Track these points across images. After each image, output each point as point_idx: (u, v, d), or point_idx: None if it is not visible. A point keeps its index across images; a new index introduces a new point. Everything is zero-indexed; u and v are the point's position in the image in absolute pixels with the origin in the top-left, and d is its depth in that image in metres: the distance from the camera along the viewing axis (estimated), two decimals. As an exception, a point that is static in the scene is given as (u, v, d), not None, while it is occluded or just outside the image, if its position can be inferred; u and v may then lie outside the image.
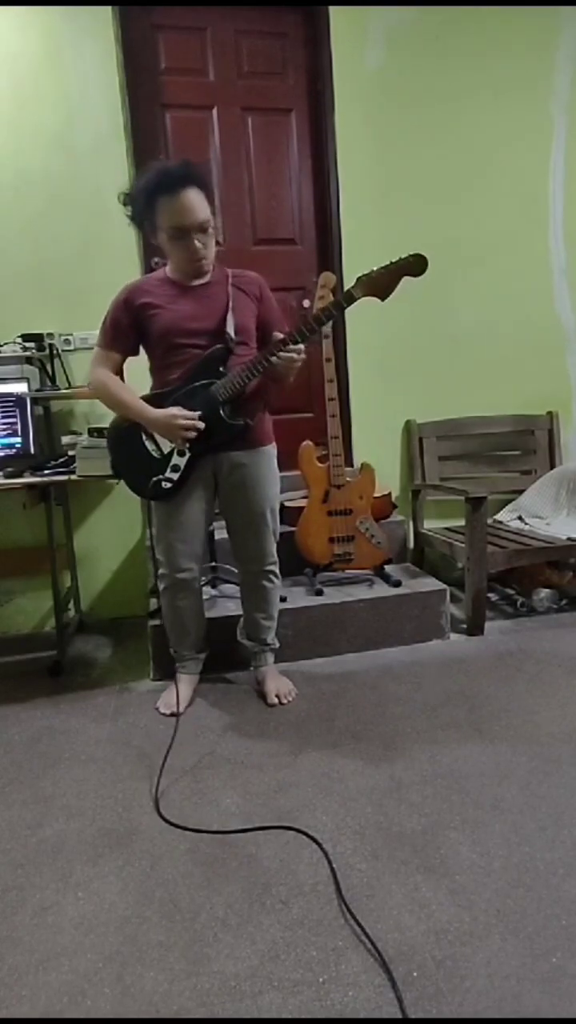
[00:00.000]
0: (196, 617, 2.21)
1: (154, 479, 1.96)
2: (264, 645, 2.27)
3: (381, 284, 1.88)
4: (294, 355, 1.86)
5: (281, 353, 1.86)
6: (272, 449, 2.10)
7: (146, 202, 1.84)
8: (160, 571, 2.13)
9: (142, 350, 2.04)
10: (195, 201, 1.82)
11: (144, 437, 1.98)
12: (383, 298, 1.89)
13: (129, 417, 1.98)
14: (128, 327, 1.96)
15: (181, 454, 1.95)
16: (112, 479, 2.21)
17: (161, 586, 2.15)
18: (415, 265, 1.88)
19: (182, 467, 1.95)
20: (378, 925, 1.27)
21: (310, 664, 2.44)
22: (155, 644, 2.38)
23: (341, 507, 2.61)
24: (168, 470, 1.96)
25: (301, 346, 1.88)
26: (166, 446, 1.96)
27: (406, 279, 1.89)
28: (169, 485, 1.97)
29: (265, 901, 1.35)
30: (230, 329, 1.93)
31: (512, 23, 3.08)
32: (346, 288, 1.92)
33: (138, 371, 2.11)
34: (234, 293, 1.97)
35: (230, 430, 1.94)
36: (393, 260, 1.88)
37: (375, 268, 1.88)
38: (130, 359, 2.04)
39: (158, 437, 1.97)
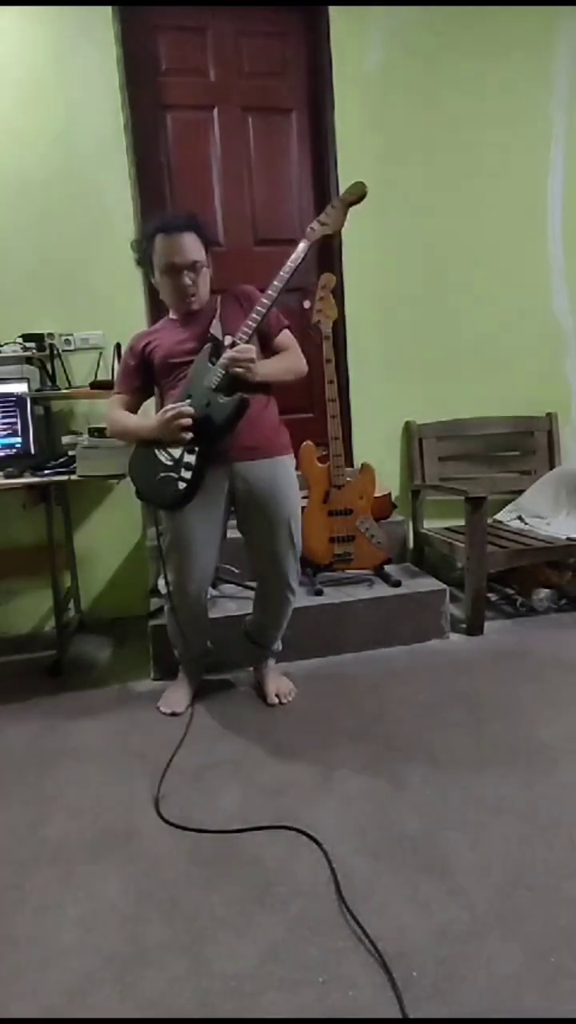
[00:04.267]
0: (201, 628, 2.19)
1: (162, 475, 1.92)
2: (268, 649, 2.27)
3: (333, 220, 2.01)
4: (237, 355, 1.85)
5: (228, 354, 1.85)
6: (290, 460, 2.09)
7: (147, 242, 1.95)
8: (169, 588, 2.10)
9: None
10: (188, 243, 1.92)
11: (157, 451, 1.96)
12: (336, 232, 2.04)
13: (139, 438, 1.99)
14: (135, 368, 2.06)
15: (191, 452, 1.92)
16: (112, 479, 2.21)
17: (168, 603, 2.13)
18: (356, 192, 2.01)
19: (195, 465, 1.92)
20: (378, 925, 1.27)
21: (310, 664, 2.44)
22: (155, 644, 2.38)
23: (341, 507, 2.61)
24: (181, 470, 1.93)
25: (248, 346, 1.87)
26: (177, 451, 1.93)
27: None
28: (184, 485, 1.93)
29: (265, 901, 1.35)
30: (215, 330, 1.93)
31: (512, 23, 3.08)
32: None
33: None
34: (222, 304, 1.99)
35: (226, 408, 1.87)
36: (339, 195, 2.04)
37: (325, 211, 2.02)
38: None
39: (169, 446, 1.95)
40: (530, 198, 3.24)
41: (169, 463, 1.94)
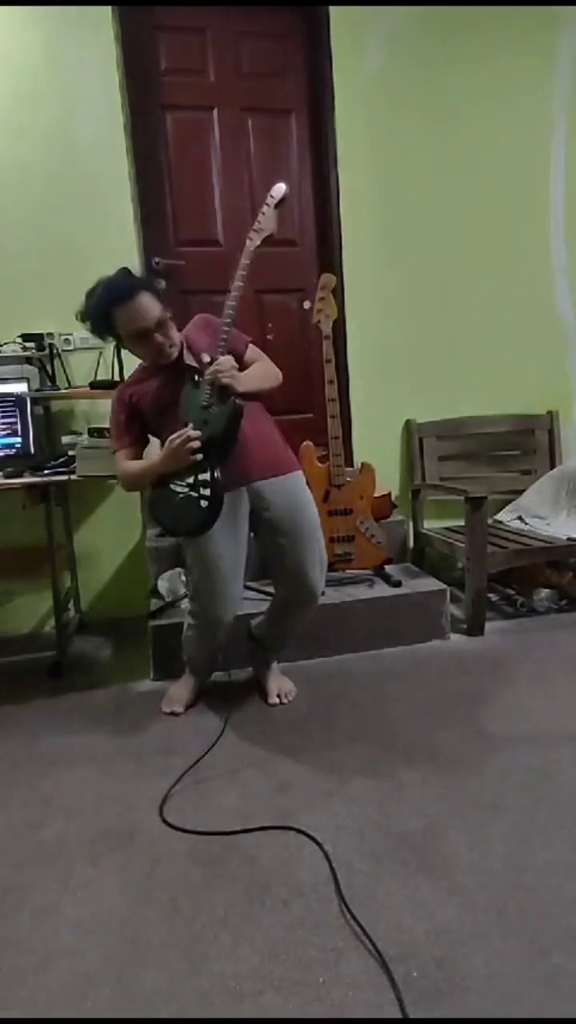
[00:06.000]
0: (222, 646, 2.19)
1: (182, 496, 1.91)
2: (277, 653, 2.26)
3: (270, 224, 1.97)
4: (218, 368, 1.85)
5: (210, 368, 1.85)
6: (302, 475, 2.10)
7: (103, 317, 1.91)
8: (192, 609, 2.10)
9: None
10: (147, 304, 1.88)
11: (172, 485, 1.94)
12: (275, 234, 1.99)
13: (152, 476, 1.97)
14: (128, 419, 2.03)
15: (203, 471, 1.91)
16: (112, 479, 2.20)
17: (190, 623, 2.13)
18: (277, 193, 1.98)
19: (211, 480, 1.90)
20: (378, 925, 1.26)
21: (310, 664, 2.44)
22: (155, 644, 2.38)
23: (341, 507, 2.61)
24: (200, 488, 1.91)
25: (223, 359, 1.88)
26: (190, 478, 1.92)
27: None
28: (206, 503, 1.91)
29: (265, 901, 1.35)
30: (188, 359, 1.94)
31: (512, 23, 3.08)
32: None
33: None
34: (187, 338, 1.99)
35: (224, 416, 1.87)
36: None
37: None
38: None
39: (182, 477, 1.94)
40: (532, 196, 3.24)
41: (186, 489, 1.94)
